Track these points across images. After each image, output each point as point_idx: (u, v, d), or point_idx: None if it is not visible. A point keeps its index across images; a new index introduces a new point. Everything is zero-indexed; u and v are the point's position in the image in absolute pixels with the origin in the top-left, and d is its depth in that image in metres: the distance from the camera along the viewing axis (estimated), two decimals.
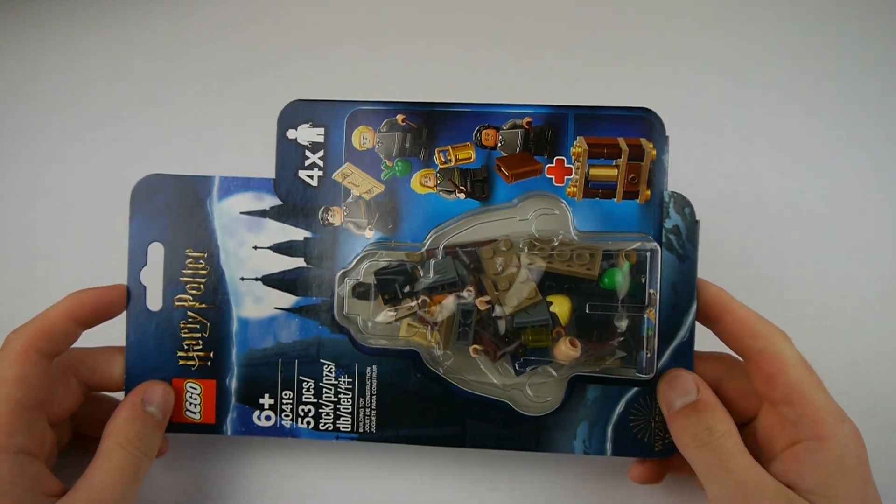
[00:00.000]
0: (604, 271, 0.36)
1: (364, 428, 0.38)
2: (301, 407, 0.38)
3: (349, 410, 0.38)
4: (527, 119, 0.37)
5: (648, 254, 0.36)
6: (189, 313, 0.38)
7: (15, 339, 0.35)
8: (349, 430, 0.38)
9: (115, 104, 0.50)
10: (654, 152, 0.36)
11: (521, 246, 0.36)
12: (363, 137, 0.38)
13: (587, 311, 0.37)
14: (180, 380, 0.38)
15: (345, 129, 0.38)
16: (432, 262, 0.37)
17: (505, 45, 0.49)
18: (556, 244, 0.36)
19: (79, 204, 0.49)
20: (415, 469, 0.43)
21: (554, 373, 0.36)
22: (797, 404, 0.33)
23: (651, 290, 0.36)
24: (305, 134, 0.38)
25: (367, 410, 0.38)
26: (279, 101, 0.39)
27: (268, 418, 0.38)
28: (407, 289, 0.37)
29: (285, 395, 0.38)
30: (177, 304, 0.38)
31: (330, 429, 0.38)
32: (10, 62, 0.50)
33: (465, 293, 0.36)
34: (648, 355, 0.36)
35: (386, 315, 0.37)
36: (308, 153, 0.38)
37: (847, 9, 0.49)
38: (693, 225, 0.36)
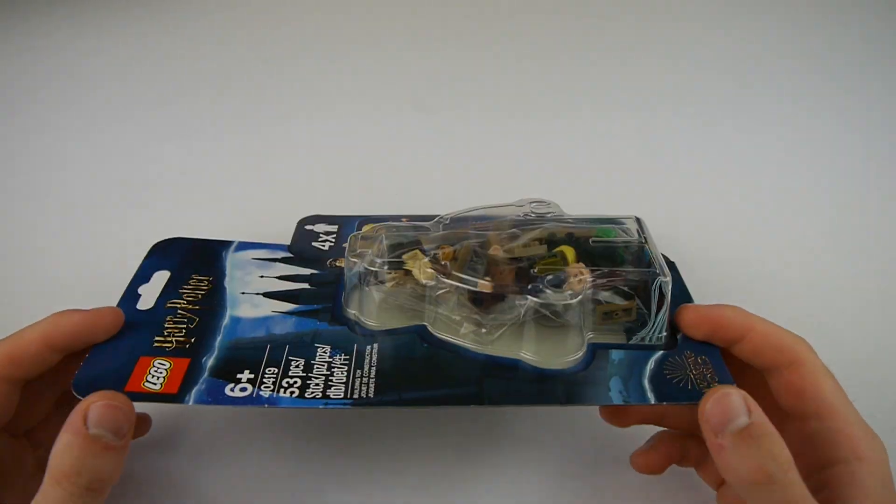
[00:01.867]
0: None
1: (360, 394, 0.31)
2: (286, 380, 0.32)
3: (343, 381, 0.32)
4: None
5: (637, 220, 0.39)
6: (179, 311, 0.36)
7: None
8: (341, 396, 0.31)
9: (116, 105, 0.52)
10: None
11: (523, 215, 0.39)
12: (372, 228, 0.44)
13: (591, 244, 0.37)
14: (149, 357, 0.33)
15: (355, 227, 0.45)
16: (441, 232, 0.38)
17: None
18: (550, 217, 0.39)
19: (79, 204, 0.48)
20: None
21: (569, 293, 0.33)
22: (829, 419, 0.30)
23: (644, 237, 0.37)
24: (322, 227, 0.45)
25: (365, 380, 0.32)
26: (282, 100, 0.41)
27: (243, 390, 0.31)
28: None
29: (269, 370, 0.32)
30: (168, 305, 0.36)
31: (318, 397, 0.31)
32: (10, 62, 0.53)
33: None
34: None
35: (393, 276, 0.36)
36: (322, 235, 0.44)
37: (848, 9, 0.53)
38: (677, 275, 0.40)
